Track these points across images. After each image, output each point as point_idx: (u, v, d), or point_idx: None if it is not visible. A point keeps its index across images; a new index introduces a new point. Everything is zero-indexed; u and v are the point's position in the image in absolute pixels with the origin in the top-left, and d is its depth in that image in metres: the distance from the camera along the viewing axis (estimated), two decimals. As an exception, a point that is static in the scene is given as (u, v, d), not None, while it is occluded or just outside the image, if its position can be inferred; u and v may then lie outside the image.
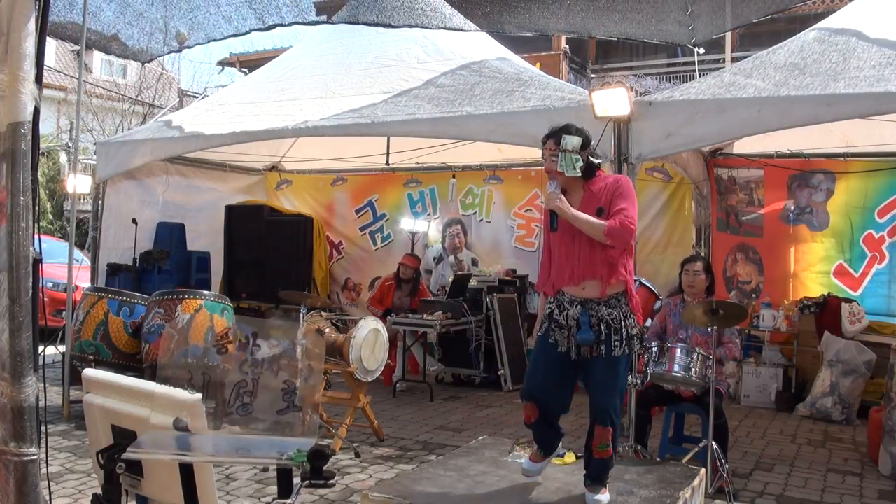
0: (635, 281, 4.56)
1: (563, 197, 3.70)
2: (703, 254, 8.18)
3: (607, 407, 3.64)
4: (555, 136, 3.76)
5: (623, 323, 3.66)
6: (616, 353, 3.64)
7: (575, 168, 3.69)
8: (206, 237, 10.04)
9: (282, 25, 4.17)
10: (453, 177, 9.70)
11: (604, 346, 3.63)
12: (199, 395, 2.21)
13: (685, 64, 17.71)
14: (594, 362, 3.66)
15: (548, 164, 3.76)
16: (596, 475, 3.71)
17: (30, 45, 2.54)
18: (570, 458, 4.19)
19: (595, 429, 3.68)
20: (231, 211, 10.16)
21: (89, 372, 2.50)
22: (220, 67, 23.00)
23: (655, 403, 5.37)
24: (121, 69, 25.29)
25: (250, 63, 19.65)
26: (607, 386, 3.66)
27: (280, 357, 2.64)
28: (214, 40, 4.36)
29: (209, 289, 8.88)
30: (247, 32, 4.24)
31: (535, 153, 4.02)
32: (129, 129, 17.97)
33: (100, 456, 2.30)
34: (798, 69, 5.37)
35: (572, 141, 3.71)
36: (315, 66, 8.06)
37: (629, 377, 4.81)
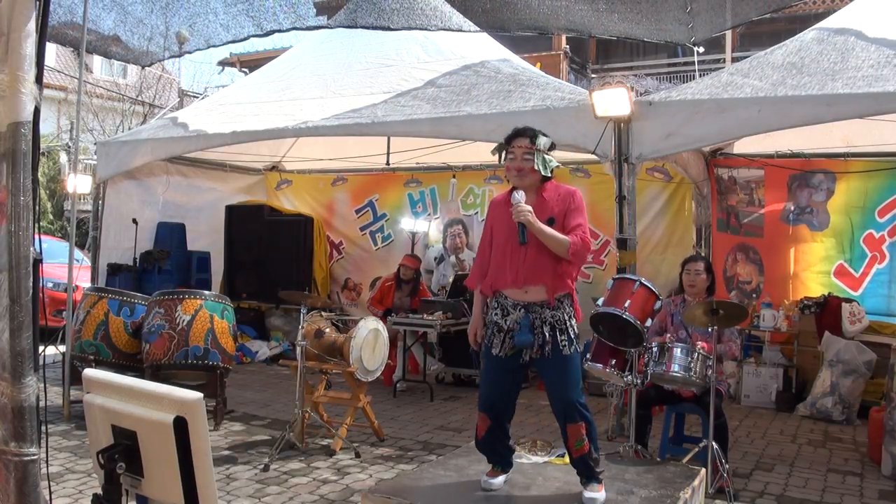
0: (635, 281, 4.58)
1: (531, 210, 3.63)
2: (703, 254, 8.18)
3: (571, 402, 3.68)
4: (529, 134, 3.72)
5: (567, 324, 3.70)
6: (566, 353, 3.68)
7: (547, 168, 3.70)
8: (207, 237, 10.05)
9: (279, 31, 4.19)
10: (454, 177, 9.70)
11: (550, 347, 3.67)
12: (199, 395, 2.21)
13: (685, 64, 17.69)
14: (546, 365, 3.70)
15: (519, 162, 3.68)
16: (585, 473, 3.74)
17: (30, 46, 2.54)
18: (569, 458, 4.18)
19: (567, 428, 3.71)
20: (231, 211, 10.17)
21: (89, 372, 2.50)
22: (221, 67, 23.00)
23: (656, 403, 5.37)
24: (121, 69, 25.29)
25: (251, 63, 19.64)
26: (566, 383, 3.69)
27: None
28: (214, 46, 4.39)
29: (209, 289, 8.90)
30: (245, 39, 4.25)
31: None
32: (129, 129, 17.97)
33: (100, 456, 2.30)
34: (796, 69, 5.37)
35: (546, 141, 3.73)
36: (315, 66, 8.06)
37: (629, 377, 4.81)
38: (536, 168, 3.67)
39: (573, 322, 3.73)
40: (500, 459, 3.92)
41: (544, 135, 3.75)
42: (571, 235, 3.63)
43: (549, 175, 3.73)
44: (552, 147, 3.77)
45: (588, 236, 3.68)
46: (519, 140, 3.71)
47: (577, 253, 3.63)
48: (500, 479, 3.88)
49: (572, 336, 3.70)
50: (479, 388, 3.92)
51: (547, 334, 3.66)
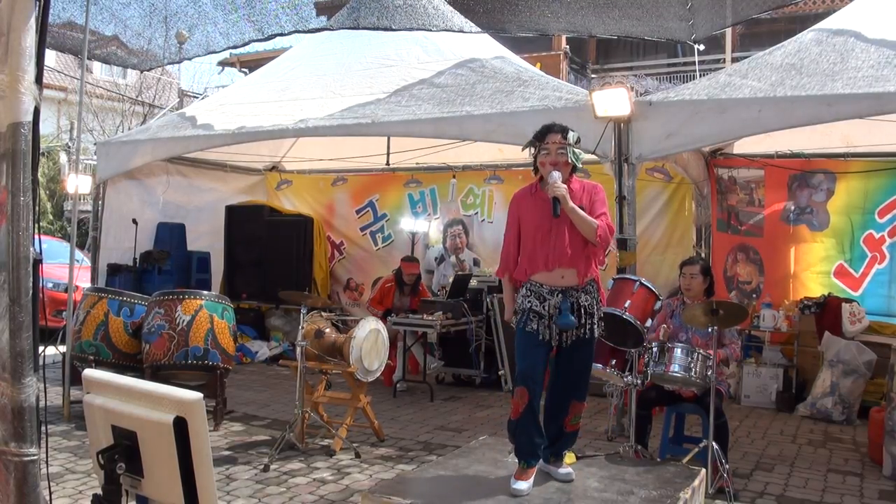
0: (635, 281, 4.58)
1: (567, 188, 3.85)
2: (703, 254, 8.18)
3: (587, 384, 4.03)
4: (561, 130, 3.93)
5: (596, 307, 3.95)
6: (594, 335, 3.95)
7: (578, 162, 3.93)
8: (207, 237, 10.05)
9: (281, 35, 4.20)
10: (454, 177, 9.70)
11: (584, 330, 3.89)
12: (199, 395, 2.20)
13: (685, 64, 17.69)
14: (575, 345, 3.90)
15: (554, 156, 3.88)
16: (563, 449, 4.03)
17: (30, 45, 2.54)
18: (570, 458, 4.19)
19: (572, 405, 4.01)
20: (231, 211, 10.17)
21: (89, 372, 2.50)
22: (221, 67, 22.99)
23: (656, 403, 5.37)
24: (121, 70, 25.30)
25: (250, 63, 19.64)
26: (587, 365, 4.03)
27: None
28: (214, 52, 4.40)
29: (209, 289, 8.90)
30: (245, 44, 4.27)
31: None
32: (129, 129, 17.97)
33: (100, 456, 2.30)
34: (795, 69, 5.37)
35: (574, 135, 3.95)
36: (315, 66, 8.06)
37: (629, 377, 4.81)
38: (570, 161, 3.89)
39: (599, 305, 3.98)
40: (533, 449, 3.89)
41: (572, 130, 3.97)
42: (598, 220, 3.88)
43: (580, 166, 3.97)
44: (578, 141, 3.98)
45: (611, 225, 3.95)
46: (551, 136, 3.91)
47: (604, 237, 3.87)
48: (530, 482, 3.80)
49: (597, 319, 3.95)
50: (515, 362, 4.03)
51: (583, 317, 3.89)
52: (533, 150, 3.98)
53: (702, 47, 6.11)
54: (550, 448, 4.01)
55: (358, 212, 10.62)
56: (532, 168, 4.05)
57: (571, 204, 3.83)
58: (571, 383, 3.99)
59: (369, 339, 5.86)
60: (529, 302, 3.89)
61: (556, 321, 3.83)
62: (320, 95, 7.45)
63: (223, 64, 22.73)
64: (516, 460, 3.92)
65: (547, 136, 3.92)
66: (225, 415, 6.45)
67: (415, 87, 6.88)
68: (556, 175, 3.84)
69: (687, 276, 5.39)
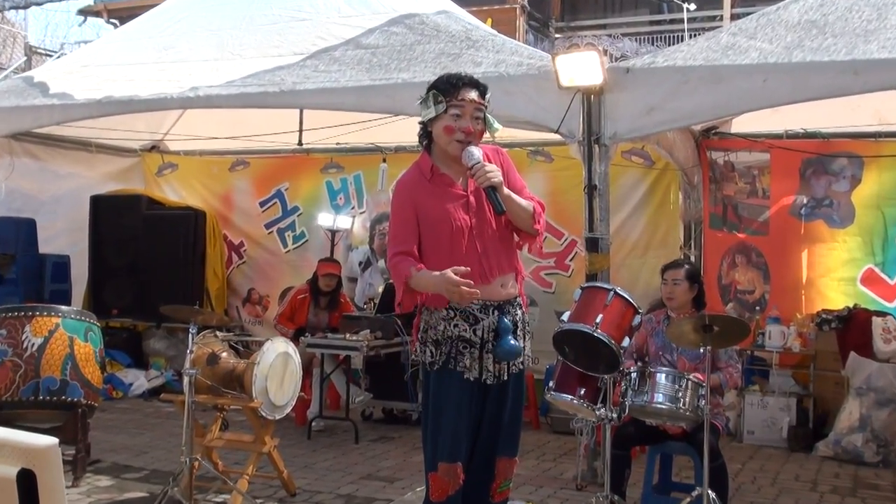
0: (609, 290, 4.63)
1: (498, 168, 3.65)
2: (692, 257, 8.31)
3: (519, 432, 3.83)
4: (477, 85, 3.68)
5: (528, 327, 3.85)
6: (524, 365, 3.83)
7: (493, 130, 3.72)
8: (65, 237, 9.91)
9: None
10: (384, 160, 9.68)
11: (521, 358, 3.78)
12: (54, 440, 2.15)
13: (672, 22, 17.98)
14: (508, 381, 3.75)
15: (469, 122, 3.60)
16: None
17: None
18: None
19: (501, 465, 3.79)
20: (98, 203, 10.01)
21: None
22: (83, 17, 22.59)
23: (636, 443, 5.44)
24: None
25: (121, 13, 19.37)
26: (520, 404, 3.86)
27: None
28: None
29: (69, 303, 8.73)
30: None
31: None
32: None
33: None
34: (816, 28, 5.40)
35: (489, 94, 3.74)
36: (207, 18, 7.99)
37: (602, 410, 4.87)
38: (490, 129, 3.70)
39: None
40: None
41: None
42: (528, 199, 3.74)
43: (494, 137, 3.80)
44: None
45: (539, 201, 3.82)
46: (466, 91, 3.63)
47: (542, 221, 3.74)
48: None
49: (529, 343, 3.86)
50: (428, 427, 3.79)
51: (523, 339, 3.77)
52: (429, 106, 3.64)
53: (692, 6, 6.22)
54: None
55: (262, 204, 10.54)
56: (421, 138, 3.76)
57: (507, 191, 3.61)
58: (502, 436, 3.76)
59: (277, 366, 5.82)
60: (456, 327, 3.66)
61: (495, 349, 3.65)
62: (214, 56, 7.38)
63: (85, 13, 22.33)
64: None
65: (457, 90, 3.61)
66: (88, 465, 6.34)
67: (336, 49, 6.87)
68: (478, 153, 3.58)
69: (669, 283, 5.48)
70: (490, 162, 3.65)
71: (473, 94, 3.63)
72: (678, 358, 5.32)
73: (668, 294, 5.48)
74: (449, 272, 3.45)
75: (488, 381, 3.69)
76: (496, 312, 3.69)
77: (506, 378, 3.74)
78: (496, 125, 3.72)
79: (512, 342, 3.65)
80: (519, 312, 3.78)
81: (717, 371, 5.15)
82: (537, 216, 3.71)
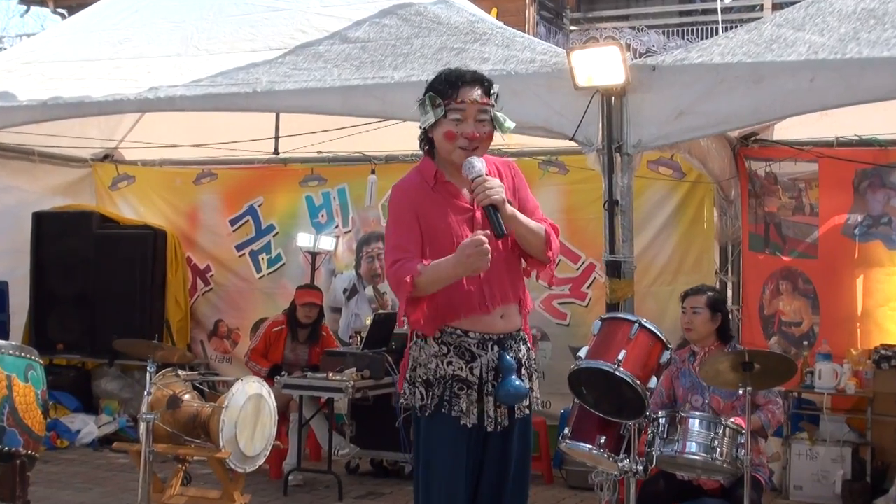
0: (633, 322, 4.63)
1: (502, 185, 3.63)
2: (730, 283, 8.28)
3: (528, 487, 3.85)
4: (480, 81, 3.67)
5: (535, 364, 3.86)
6: (531, 409, 3.82)
7: (504, 130, 3.71)
8: (3, 259, 9.89)
9: None
10: (373, 172, 9.68)
11: (528, 401, 3.77)
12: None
13: (704, 13, 18.02)
14: (512, 428, 3.73)
15: (472, 126, 3.61)
16: None
17: None
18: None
19: None
20: (41, 220, 10.02)
21: None
22: (24, 7, 22.70)
23: (666, 499, 5.42)
24: None
25: (70, 2, 19.41)
26: (528, 457, 3.86)
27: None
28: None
29: (6, 337, 8.70)
30: None
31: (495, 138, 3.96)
32: None
33: None
34: (875, 17, 5.39)
35: (497, 91, 3.73)
36: (169, 8, 8.02)
37: (626, 461, 4.85)
38: (500, 132, 3.69)
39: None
40: None
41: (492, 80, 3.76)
42: (541, 223, 3.74)
43: (505, 139, 3.85)
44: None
45: (554, 223, 3.83)
46: (468, 90, 3.63)
47: (555, 247, 3.73)
48: None
49: (537, 385, 3.86)
50: (419, 483, 3.79)
51: (529, 380, 3.76)
52: (427, 111, 3.65)
53: (729, -2, 6.23)
54: None
55: (233, 222, 10.53)
56: (422, 145, 3.77)
57: (512, 209, 3.61)
58: (506, 492, 3.75)
59: (248, 410, 5.82)
60: (450, 365, 3.64)
61: (496, 391, 3.64)
62: (177, 52, 7.41)
63: (28, 1, 22.42)
64: None
65: (457, 90, 3.61)
66: (30, 526, 6.32)
67: (320, 44, 6.88)
68: (480, 164, 3.56)
69: (688, 311, 5.50)
70: (495, 176, 3.66)
71: (476, 94, 3.62)
72: (711, 397, 5.31)
73: (686, 324, 5.49)
74: (466, 239, 3.48)
75: (489, 428, 3.67)
76: (496, 348, 3.69)
77: (510, 424, 3.72)
78: (508, 123, 3.69)
79: (517, 382, 3.63)
80: (523, 348, 3.78)
81: (757, 409, 5.12)
82: (550, 241, 3.69)
